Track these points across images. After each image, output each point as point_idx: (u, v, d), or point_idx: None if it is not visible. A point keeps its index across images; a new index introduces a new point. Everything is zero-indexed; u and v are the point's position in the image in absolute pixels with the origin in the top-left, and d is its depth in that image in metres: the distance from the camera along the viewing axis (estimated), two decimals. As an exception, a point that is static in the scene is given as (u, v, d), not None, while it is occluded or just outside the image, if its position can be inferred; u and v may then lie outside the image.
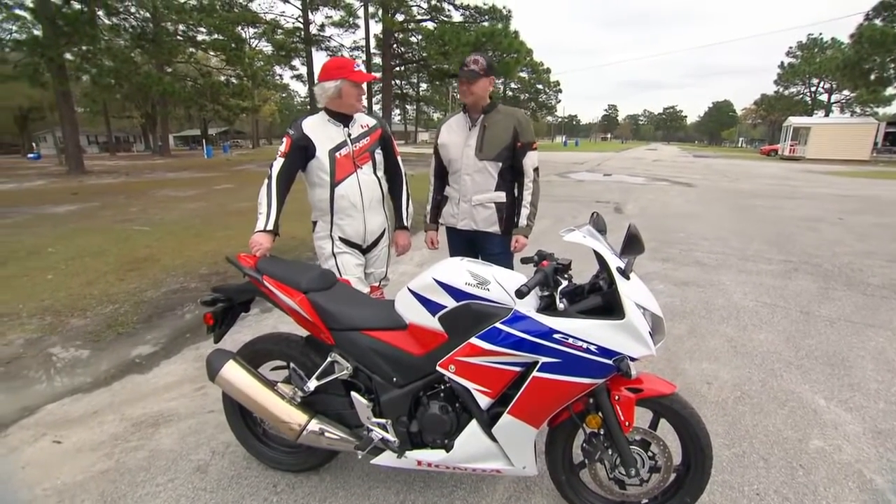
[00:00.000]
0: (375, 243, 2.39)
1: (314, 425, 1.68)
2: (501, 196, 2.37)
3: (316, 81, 2.17)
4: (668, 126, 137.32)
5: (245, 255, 1.89)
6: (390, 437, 1.66)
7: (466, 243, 2.48)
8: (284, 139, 2.15)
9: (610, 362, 1.44)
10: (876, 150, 29.60)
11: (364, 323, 1.65)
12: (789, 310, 3.88)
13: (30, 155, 32.21)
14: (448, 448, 1.62)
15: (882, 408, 2.48)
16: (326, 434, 1.68)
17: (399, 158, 2.46)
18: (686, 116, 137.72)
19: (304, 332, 1.86)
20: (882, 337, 3.36)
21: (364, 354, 1.65)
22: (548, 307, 1.51)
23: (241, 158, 28.27)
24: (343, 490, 1.87)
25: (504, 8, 23.18)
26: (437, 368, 1.56)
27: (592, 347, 1.42)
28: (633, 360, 1.46)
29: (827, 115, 46.74)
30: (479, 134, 2.32)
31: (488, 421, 1.58)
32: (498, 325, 1.49)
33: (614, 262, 1.47)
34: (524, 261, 1.88)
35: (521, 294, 1.37)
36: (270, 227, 2.01)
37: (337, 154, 2.16)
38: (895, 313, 3.78)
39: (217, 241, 6.00)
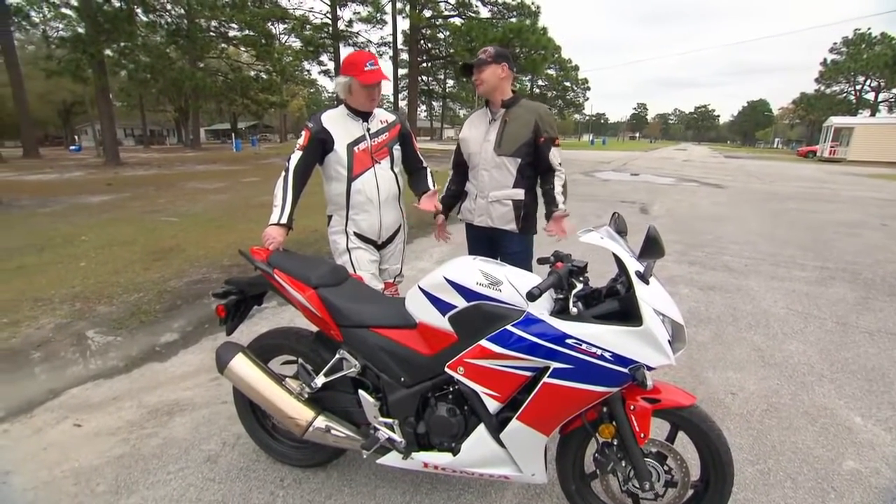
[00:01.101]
0: (391, 239, 2.37)
1: (320, 422, 1.66)
2: (520, 193, 2.29)
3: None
4: (699, 126, 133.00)
5: (257, 249, 1.89)
6: (397, 437, 1.63)
7: (486, 241, 2.42)
8: (303, 132, 2.14)
9: (625, 370, 1.37)
10: (925, 153, 27.90)
11: (373, 320, 1.62)
12: (824, 319, 3.67)
13: (71, 147, 33.73)
14: (455, 451, 1.58)
15: (925, 429, 2.31)
16: (332, 431, 1.66)
17: (419, 152, 2.43)
18: (719, 116, 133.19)
19: (313, 328, 1.85)
20: (927, 352, 3.14)
21: (372, 352, 1.62)
22: (562, 310, 1.45)
23: (269, 152, 28.87)
24: (349, 488, 1.85)
25: (533, 4, 22.91)
26: (446, 370, 1.51)
27: (607, 354, 1.35)
28: (650, 369, 1.38)
29: (873, 114, 44.42)
30: (499, 129, 2.25)
31: (497, 426, 1.53)
32: (509, 327, 1.43)
33: (633, 266, 1.40)
34: (541, 261, 1.82)
35: (532, 296, 1.31)
36: (284, 220, 2.00)
37: (355, 148, 2.15)
38: (943, 327, 3.53)
39: (239, 233, 6.12)
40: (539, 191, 2.39)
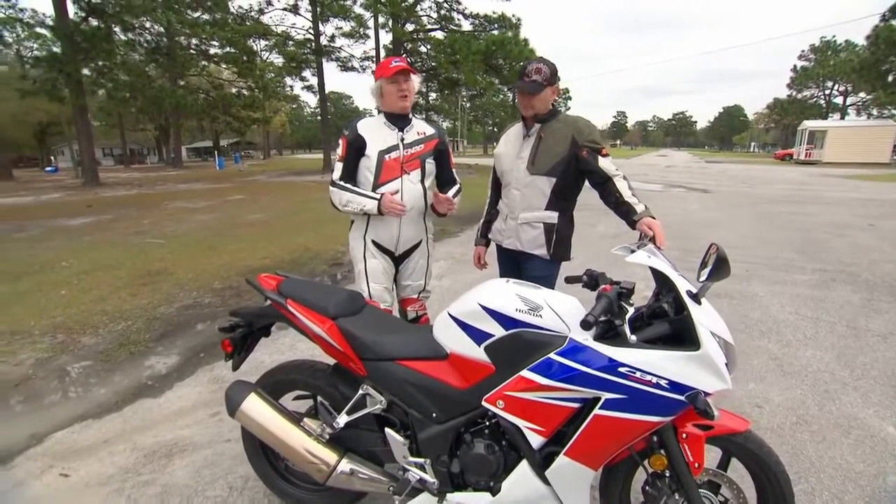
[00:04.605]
0: (409, 253, 2.28)
1: (345, 465, 1.51)
2: (552, 216, 2.10)
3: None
4: (677, 132, 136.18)
5: (266, 277, 1.75)
6: (429, 477, 1.49)
7: (513, 263, 2.24)
8: (340, 142, 2.15)
9: (682, 398, 1.26)
10: (895, 153, 28.91)
11: (399, 352, 1.49)
12: (834, 323, 3.64)
13: (47, 168, 32.89)
14: (494, 491, 1.45)
15: (960, 437, 2.25)
16: (358, 475, 1.52)
17: (455, 171, 2.38)
18: (696, 122, 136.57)
19: (326, 358, 1.71)
20: (943, 354, 3.11)
21: (399, 387, 1.49)
22: (604, 334, 1.34)
23: (253, 169, 28.50)
24: (373, 533, 1.70)
25: (513, 16, 23.22)
26: (483, 403, 1.39)
27: (663, 382, 1.25)
28: (706, 395, 1.28)
29: (842, 117, 46.05)
30: (533, 145, 2.06)
31: (540, 462, 1.40)
32: (552, 356, 1.32)
33: (684, 286, 1.30)
34: (569, 280, 1.71)
35: (587, 325, 1.20)
36: (376, 195, 2.06)
37: (386, 156, 2.12)
38: (951, 327, 3.53)
39: (230, 255, 5.91)
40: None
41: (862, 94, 44.66)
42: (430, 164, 2.22)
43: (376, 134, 2.13)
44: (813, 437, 2.26)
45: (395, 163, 2.12)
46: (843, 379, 2.81)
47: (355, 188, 2.12)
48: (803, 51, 53.15)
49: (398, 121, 2.15)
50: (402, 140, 2.14)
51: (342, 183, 2.12)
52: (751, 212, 9.43)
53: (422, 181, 2.19)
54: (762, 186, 15.01)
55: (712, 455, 1.45)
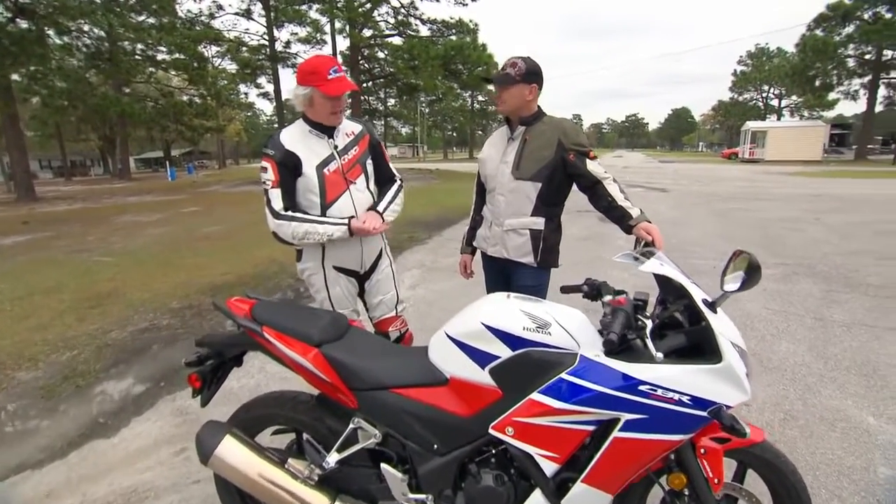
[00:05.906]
0: (374, 267, 2.09)
1: (337, 510, 1.35)
2: (538, 222, 1.99)
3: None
4: (630, 133, 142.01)
5: (236, 301, 1.56)
6: (432, 516, 1.35)
7: (500, 272, 2.13)
8: (268, 166, 1.83)
9: (705, 414, 1.19)
10: (825, 151, 31.23)
11: (394, 379, 1.35)
12: (802, 316, 3.77)
13: (-27, 183, 30.21)
14: (505, 526, 1.33)
15: (935, 423, 2.33)
16: (352, 520, 1.36)
17: (391, 165, 2.16)
18: (647, 123, 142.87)
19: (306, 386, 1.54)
20: (903, 341, 3.26)
21: (395, 418, 1.34)
22: (612, 348, 1.25)
23: (208, 180, 27.29)
24: (369, 580, 1.53)
25: (471, 21, 23.45)
26: (491, 431, 1.27)
27: (685, 398, 1.17)
28: (728, 408, 1.21)
29: (779, 118, 49.39)
30: (517, 149, 1.97)
31: (554, 489, 1.29)
32: (564, 375, 1.21)
33: (699, 295, 1.23)
34: (565, 290, 1.62)
35: (611, 345, 1.10)
36: (343, 220, 1.84)
37: (325, 170, 1.88)
38: (907, 315, 3.72)
39: (187, 271, 5.52)
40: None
41: (794, 97, 48.04)
42: (370, 166, 2.03)
43: (306, 147, 1.87)
44: (802, 433, 2.28)
45: (336, 175, 1.89)
46: (819, 371, 2.88)
47: (310, 216, 1.86)
48: (741, 56, 56.77)
49: (324, 127, 1.91)
50: (336, 148, 1.92)
51: (291, 213, 1.83)
52: (708, 209, 9.82)
53: (367, 186, 2.00)
54: (715, 184, 15.77)
55: (730, 468, 1.40)
